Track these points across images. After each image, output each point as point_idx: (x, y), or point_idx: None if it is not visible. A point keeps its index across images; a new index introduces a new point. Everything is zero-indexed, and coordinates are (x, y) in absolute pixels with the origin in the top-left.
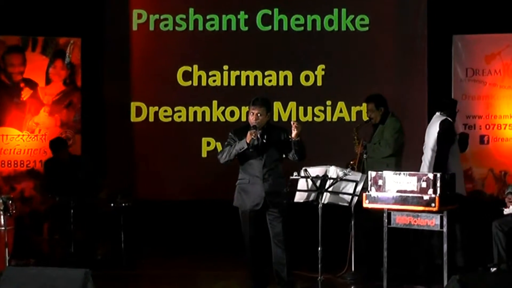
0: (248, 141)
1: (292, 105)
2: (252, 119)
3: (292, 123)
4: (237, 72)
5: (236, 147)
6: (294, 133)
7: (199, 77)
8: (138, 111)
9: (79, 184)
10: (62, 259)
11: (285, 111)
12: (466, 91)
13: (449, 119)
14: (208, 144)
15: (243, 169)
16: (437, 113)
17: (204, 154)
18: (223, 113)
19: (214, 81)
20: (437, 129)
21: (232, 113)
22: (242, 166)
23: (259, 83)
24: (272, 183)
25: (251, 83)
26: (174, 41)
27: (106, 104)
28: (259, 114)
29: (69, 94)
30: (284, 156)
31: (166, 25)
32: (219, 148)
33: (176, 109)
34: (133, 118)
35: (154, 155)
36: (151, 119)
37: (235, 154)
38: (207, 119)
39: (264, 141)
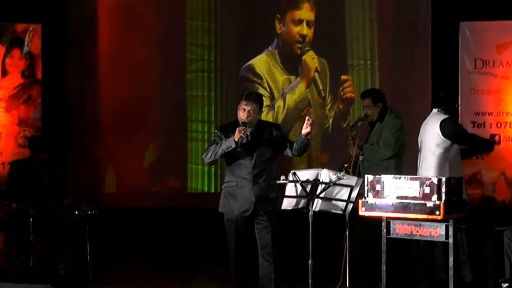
0: (236, 139)
1: None
2: (242, 116)
3: (306, 119)
4: None
5: (222, 146)
6: (306, 130)
7: None
8: (106, 108)
9: (43, 191)
10: (20, 274)
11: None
12: (475, 84)
13: (449, 117)
14: None
15: (230, 170)
16: (434, 110)
17: None
18: None
19: None
20: (436, 129)
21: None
22: (229, 167)
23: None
24: (264, 187)
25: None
26: (146, 29)
27: (69, 99)
28: (251, 111)
29: (28, 88)
30: (276, 154)
31: (136, 11)
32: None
33: (147, 104)
34: (101, 115)
35: (124, 157)
36: (121, 116)
37: (221, 153)
38: None
39: (249, 138)
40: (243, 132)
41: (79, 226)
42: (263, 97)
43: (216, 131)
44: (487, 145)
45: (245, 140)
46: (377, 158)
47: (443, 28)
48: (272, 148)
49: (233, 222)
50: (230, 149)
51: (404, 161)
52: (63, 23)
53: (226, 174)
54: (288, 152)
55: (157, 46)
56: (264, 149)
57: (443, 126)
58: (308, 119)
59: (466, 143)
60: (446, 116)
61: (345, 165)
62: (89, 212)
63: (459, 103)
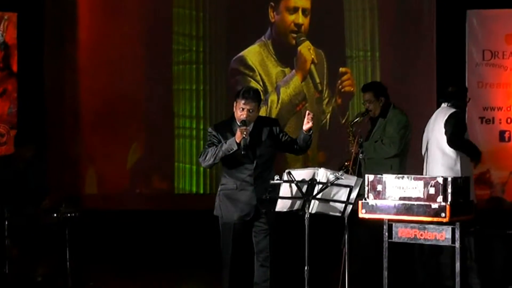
0: (238, 141)
1: None
2: (241, 116)
3: (306, 113)
4: None
5: (223, 148)
6: (307, 126)
7: None
8: (87, 103)
9: (23, 191)
10: None
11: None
12: (483, 77)
13: (459, 111)
14: None
15: (228, 172)
16: (443, 105)
17: None
18: None
19: None
20: (443, 121)
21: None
22: (227, 169)
23: None
24: (265, 188)
25: None
26: (129, 19)
27: (47, 93)
28: (250, 110)
29: (3, 81)
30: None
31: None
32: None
33: (131, 99)
34: (81, 111)
35: (106, 156)
36: (103, 111)
37: (221, 156)
38: None
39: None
40: (245, 132)
41: (58, 229)
42: None
43: (210, 130)
44: (475, 156)
45: (247, 142)
46: (381, 156)
47: (449, 17)
48: (273, 147)
49: (231, 226)
50: (231, 152)
51: (407, 159)
52: (40, 11)
53: (223, 176)
54: (290, 150)
55: (141, 37)
56: (265, 148)
57: (447, 120)
58: (309, 113)
59: (456, 146)
60: (454, 109)
61: (346, 164)
62: (69, 215)
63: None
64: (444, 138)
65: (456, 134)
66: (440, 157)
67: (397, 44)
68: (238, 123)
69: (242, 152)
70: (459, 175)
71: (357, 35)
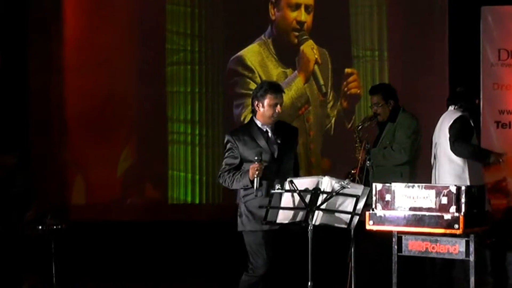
0: (251, 178)
1: None
2: (276, 112)
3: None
4: None
5: (239, 182)
6: None
7: None
8: (73, 106)
9: (5, 201)
10: None
11: None
12: (499, 78)
13: (465, 115)
14: None
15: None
16: (450, 108)
17: None
18: None
19: None
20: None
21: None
22: None
23: None
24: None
25: None
26: (119, 15)
27: (31, 95)
28: (281, 105)
29: None
30: None
31: None
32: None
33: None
34: (67, 114)
35: (95, 163)
36: (91, 115)
37: (236, 188)
38: None
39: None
40: (259, 170)
41: (43, 242)
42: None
43: (228, 137)
44: (483, 158)
45: (261, 181)
46: (390, 163)
47: (462, 14)
48: (294, 154)
49: (261, 236)
50: (247, 188)
51: (417, 167)
52: (23, 7)
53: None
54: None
55: (132, 35)
56: (288, 155)
57: (451, 125)
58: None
59: (460, 153)
60: (461, 113)
61: (352, 171)
62: (55, 227)
63: (481, 100)
64: (447, 146)
65: (460, 141)
66: (447, 165)
67: (407, 43)
68: (261, 123)
69: (255, 196)
70: (468, 183)
71: (364, 34)
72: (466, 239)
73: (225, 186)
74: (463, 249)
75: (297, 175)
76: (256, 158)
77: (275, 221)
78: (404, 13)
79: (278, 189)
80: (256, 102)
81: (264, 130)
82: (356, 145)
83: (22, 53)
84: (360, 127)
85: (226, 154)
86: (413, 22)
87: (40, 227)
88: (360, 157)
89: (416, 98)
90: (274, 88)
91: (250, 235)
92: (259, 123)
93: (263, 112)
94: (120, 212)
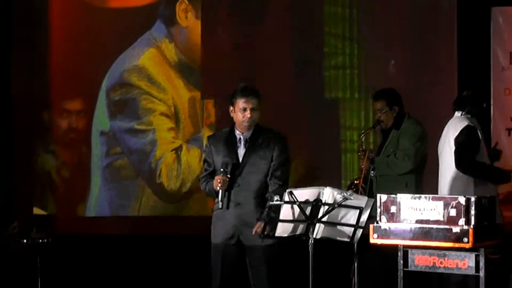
0: (216, 189)
1: None
2: (246, 116)
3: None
4: None
5: (210, 187)
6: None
7: None
8: (59, 113)
9: None
10: None
11: None
12: (510, 83)
13: (472, 123)
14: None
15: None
16: (456, 114)
17: None
18: None
19: None
20: (455, 135)
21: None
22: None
23: None
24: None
25: None
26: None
27: (14, 102)
28: (254, 109)
29: None
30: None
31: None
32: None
33: None
34: (53, 122)
35: (81, 174)
36: (77, 122)
37: (208, 194)
38: None
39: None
40: (221, 183)
41: (28, 257)
42: None
43: (206, 142)
44: (496, 180)
45: (225, 193)
46: (394, 173)
47: (471, 15)
48: (267, 166)
49: (220, 249)
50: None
51: (423, 176)
52: (7, 7)
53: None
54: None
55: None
56: (258, 166)
57: (457, 136)
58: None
59: (466, 172)
60: (469, 123)
61: (355, 182)
62: (40, 241)
63: (491, 106)
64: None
65: (467, 159)
66: (449, 176)
67: (412, 46)
68: (238, 131)
69: (219, 206)
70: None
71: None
72: (476, 253)
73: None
74: (472, 264)
75: (272, 187)
76: (221, 169)
77: (274, 234)
78: (409, 14)
79: (277, 200)
80: (231, 108)
81: (238, 138)
82: (359, 153)
83: (6, 54)
84: (363, 135)
85: (204, 158)
86: (419, 24)
87: (24, 240)
88: (363, 167)
89: (423, 104)
90: (244, 91)
91: (212, 247)
92: (236, 130)
93: (235, 117)
94: (111, 225)
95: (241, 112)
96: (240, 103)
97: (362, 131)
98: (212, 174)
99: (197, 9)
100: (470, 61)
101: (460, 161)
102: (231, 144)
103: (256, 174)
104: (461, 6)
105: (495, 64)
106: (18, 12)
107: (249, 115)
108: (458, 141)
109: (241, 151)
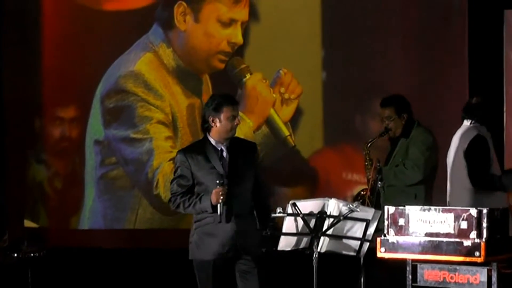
0: (214, 203)
1: None
2: (234, 125)
3: None
4: None
5: (196, 206)
6: None
7: None
8: (51, 120)
9: None
10: None
11: None
12: None
13: (481, 133)
14: None
15: None
16: (465, 122)
17: None
18: None
19: None
20: (465, 147)
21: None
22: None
23: None
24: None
25: None
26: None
27: (5, 106)
28: (239, 118)
29: None
30: None
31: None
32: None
33: None
34: (44, 131)
35: (74, 185)
36: (70, 131)
37: (191, 212)
38: None
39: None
40: (223, 194)
41: (19, 271)
42: None
43: (179, 156)
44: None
45: (223, 207)
46: (403, 183)
47: (483, 17)
48: (252, 175)
49: (210, 265)
50: (205, 212)
51: (433, 188)
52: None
53: None
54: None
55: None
56: (244, 175)
57: (467, 149)
58: None
59: (479, 186)
60: (478, 132)
61: (362, 193)
62: (32, 254)
63: (504, 113)
64: (462, 164)
65: (480, 175)
66: (457, 188)
67: (421, 50)
68: (216, 141)
69: (219, 222)
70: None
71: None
72: (488, 268)
73: (178, 211)
74: (484, 279)
75: (259, 196)
76: (218, 182)
77: (276, 248)
78: (417, 16)
79: (279, 212)
80: (211, 118)
81: (219, 149)
82: (366, 163)
83: None
84: (369, 143)
85: (176, 173)
86: (428, 26)
87: (15, 254)
88: (370, 177)
89: (433, 111)
90: (229, 100)
91: (199, 264)
92: (213, 141)
93: (220, 127)
94: (105, 239)
95: (230, 120)
96: (229, 111)
97: (369, 140)
98: (191, 190)
99: (196, 12)
100: (482, 65)
101: (476, 180)
102: (212, 155)
103: (245, 182)
104: (473, 8)
105: (508, 69)
106: (10, 15)
107: (238, 122)
108: (469, 156)
109: (225, 162)
